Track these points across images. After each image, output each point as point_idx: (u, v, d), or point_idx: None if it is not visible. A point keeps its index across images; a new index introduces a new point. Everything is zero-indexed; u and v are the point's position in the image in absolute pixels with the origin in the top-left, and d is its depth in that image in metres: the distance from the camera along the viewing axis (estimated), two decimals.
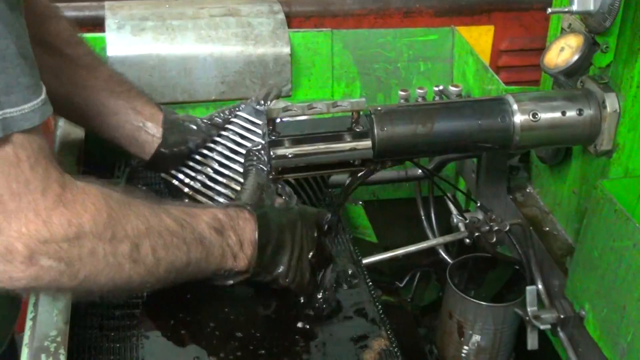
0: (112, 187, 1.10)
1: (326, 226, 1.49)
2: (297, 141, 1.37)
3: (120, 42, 1.91)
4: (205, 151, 1.68)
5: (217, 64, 2.00)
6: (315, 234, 1.43)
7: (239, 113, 1.71)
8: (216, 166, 1.66)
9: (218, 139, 1.69)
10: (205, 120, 1.67)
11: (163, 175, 1.66)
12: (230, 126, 1.71)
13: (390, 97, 2.19)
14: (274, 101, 1.66)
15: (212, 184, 1.63)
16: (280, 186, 1.47)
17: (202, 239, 1.17)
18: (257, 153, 1.59)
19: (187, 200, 1.58)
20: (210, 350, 1.50)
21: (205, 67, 1.99)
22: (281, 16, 2.10)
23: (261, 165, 1.55)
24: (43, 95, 0.96)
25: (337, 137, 1.38)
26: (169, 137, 1.59)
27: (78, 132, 1.70)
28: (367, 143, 1.39)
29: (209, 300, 1.64)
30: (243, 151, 1.64)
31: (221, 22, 2.04)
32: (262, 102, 1.68)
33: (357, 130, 1.39)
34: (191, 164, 1.66)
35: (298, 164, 1.38)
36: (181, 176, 1.64)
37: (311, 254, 1.42)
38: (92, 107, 1.51)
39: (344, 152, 1.39)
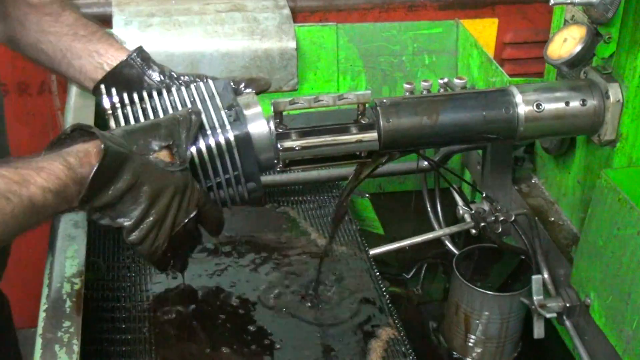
0: None
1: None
2: (304, 133, 1.39)
3: (127, 39, 1.93)
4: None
5: (223, 59, 2.01)
6: (193, 212, 1.34)
7: (208, 81, 1.53)
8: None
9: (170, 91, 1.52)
10: (173, 73, 1.60)
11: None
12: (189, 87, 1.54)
13: (396, 90, 2.20)
14: (248, 90, 1.52)
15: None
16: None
17: (33, 205, 1.11)
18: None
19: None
20: (221, 341, 1.52)
21: (212, 62, 2.01)
22: (287, 11, 2.11)
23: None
24: None
25: (343, 130, 1.40)
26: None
27: (89, 106, 1.73)
28: (373, 135, 1.40)
29: (217, 292, 1.67)
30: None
31: (227, 17, 2.06)
32: (234, 85, 1.53)
33: (363, 122, 1.40)
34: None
35: (305, 157, 1.40)
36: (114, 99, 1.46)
37: (180, 225, 1.33)
38: (58, 52, 1.57)
39: (350, 144, 1.40)
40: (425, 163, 1.92)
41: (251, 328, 1.58)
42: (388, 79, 2.21)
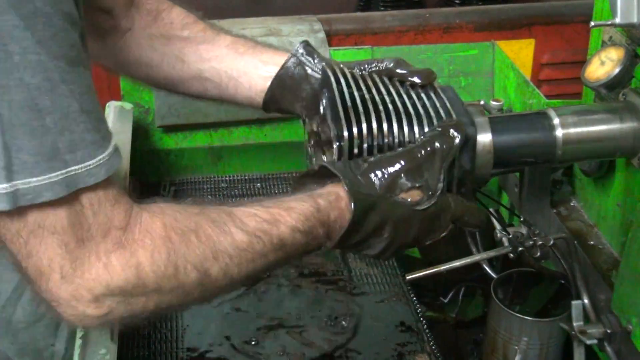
0: (183, 206, 1.08)
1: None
2: None
3: None
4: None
5: None
6: (444, 232, 1.28)
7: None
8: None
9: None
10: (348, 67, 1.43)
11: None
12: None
13: None
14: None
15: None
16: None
17: (282, 245, 1.12)
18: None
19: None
20: None
21: None
22: (322, 35, 2.12)
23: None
24: (110, 149, 0.97)
25: None
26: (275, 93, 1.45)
27: (124, 153, 1.72)
28: None
29: (250, 315, 1.67)
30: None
31: (262, 42, 2.07)
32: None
33: None
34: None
35: None
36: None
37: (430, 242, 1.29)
38: (223, 75, 1.46)
39: None
40: None
41: (285, 351, 1.57)
42: None
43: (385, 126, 1.23)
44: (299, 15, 2.29)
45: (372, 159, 1.22)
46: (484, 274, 1.88)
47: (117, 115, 1.85)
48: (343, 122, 1.22)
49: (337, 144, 1.22)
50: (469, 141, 1.26)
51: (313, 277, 1.80)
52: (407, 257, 2.00)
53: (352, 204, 1.14)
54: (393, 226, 1.20)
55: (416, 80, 1.34)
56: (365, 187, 1.18)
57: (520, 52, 2.42)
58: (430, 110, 1.27)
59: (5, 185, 0.89)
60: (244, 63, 1.45)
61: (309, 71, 1.39)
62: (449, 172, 1.24)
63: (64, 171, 0.92)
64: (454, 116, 1.27)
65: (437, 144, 1.22)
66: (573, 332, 1.51)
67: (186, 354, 1.55)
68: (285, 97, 1.41)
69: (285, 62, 1.40)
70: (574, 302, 1.51)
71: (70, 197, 0.94)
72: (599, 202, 1.69)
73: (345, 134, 1.22)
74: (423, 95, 1.31)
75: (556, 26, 2.48)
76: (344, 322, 1.67)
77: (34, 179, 0.90)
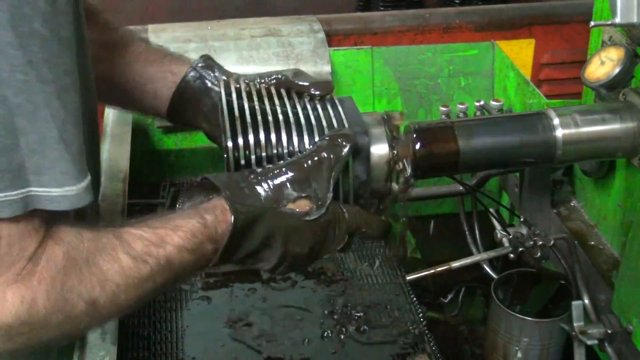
0: (80, 231, 1.03)
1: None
2: None
3: None
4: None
5: None
6: (341, 244, 1.25)
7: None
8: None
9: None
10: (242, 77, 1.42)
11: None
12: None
13: (432, 113, 2.19)
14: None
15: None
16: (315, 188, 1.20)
17: (170, 264, 1.10)
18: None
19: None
20: None
21: None
22: (321, 35, 2.12)
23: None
24: (82, 184, 0.96)
25: None
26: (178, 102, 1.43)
27: (124, 155, 1.72)
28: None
29: (254, 316, 1.66)
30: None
31: (262, 42, 2.07)
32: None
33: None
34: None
35: None
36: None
37: (327, 254, 1.26)
38: (130, 82, 1.44)
39: None
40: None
41: (285, 351, 1.57)
42: (424, 102, 2.20)
43: (274, 137, 1.21)
44: (299, 16, 2.28)
45: (258, 169, 1.20)
46: (484, 274, 1.88)
47: (116, 116, 1.84)
48: (228, 133, 1.21)
49: (225, 155, 1.21)
50: (361, 151, 1.24)
51: (314, 277, 1.80)
52: (407, 258, 2.00)
53: (232, 216, 1.12)
54: (283, 237, 1.18)
55: (313, 91, 1.32)
56: (249, 198, 1.16)
57: (520, 52, 2.42)
58: (323, 120, 1.24)
59: None
60: (152, 71, 1.43)
61: (209, 84, 1.38)
62: (343, 183, 1.22)
63: (24, 190, 0.91)
64: (346, 126, 1.24)
65: (324, 154, 1.19)
66: (573, 333, 1.51)
67: (186, 355, 1.55)
68: (187, 109, 1.40)
69: (185, 75, 1.39)
70: (575, 303, 1.51)
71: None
72: (599, 202, 1.69)
73: (230, 144, 1.20)
74: (319, 106, 1.29)
75: (556, 26, 2.47)
76: (344, 323, 1.66)
77: None
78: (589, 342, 1.50)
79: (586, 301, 1.57)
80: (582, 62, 1.57)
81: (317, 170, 1.19)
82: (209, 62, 1.41)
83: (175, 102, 1.40)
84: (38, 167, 0.92)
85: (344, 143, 1.20)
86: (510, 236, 1.69)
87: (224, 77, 1.38)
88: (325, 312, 1.69)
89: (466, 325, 1.85)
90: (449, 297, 1.91)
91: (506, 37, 2.39)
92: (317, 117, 1.25)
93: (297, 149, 1.22)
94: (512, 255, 1.69)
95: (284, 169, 1.18)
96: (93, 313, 1.03)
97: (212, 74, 1.39)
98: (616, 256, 1.63)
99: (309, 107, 1.28)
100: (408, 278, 1.78)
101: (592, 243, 1.69)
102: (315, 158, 1.19)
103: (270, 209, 1.17)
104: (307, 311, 1.70)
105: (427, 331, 1.63)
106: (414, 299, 1.72)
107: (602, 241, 1.68)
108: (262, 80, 1.37)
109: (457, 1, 3.88)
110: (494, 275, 1.81)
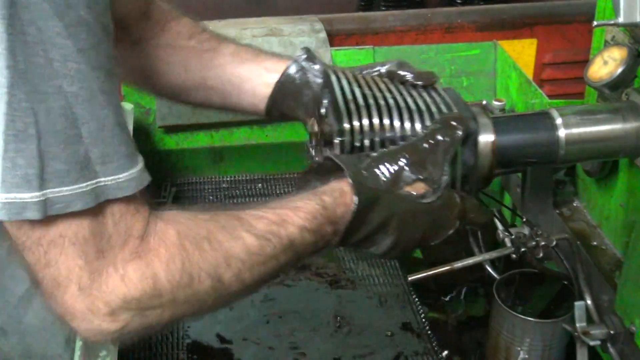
0: (194, 214, 1.06)
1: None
2: None
3: None
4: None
5: None
6: (452, 229, 1.26)
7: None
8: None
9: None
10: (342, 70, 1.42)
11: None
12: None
13: None
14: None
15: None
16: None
17: (292, 245, 1.11)
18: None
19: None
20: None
21: None
22: (323, 35, 2.11)
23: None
24: (139, 165, 0.97)
25: None
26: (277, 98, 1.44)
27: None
28: None
29: (255, 314, 1.66)
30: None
31: (263, 42, 2.07)
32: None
33: None
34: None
35: None
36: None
37: (438, 241, 1.27)
38: (227, 83, 1.45)
39: None
40: None
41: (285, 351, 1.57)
42: None
43: (387, 121, 1.23)
44: (300, 15, 2.28)
45: (374, 153, 1.21)
46: (487, 274, 1.87)
47: None
48: (344, 116, 1.22)
49: (339, 139, 1.22)
50: (470, 136, 1.26)
51: (314, 278, 1.79)
52: (409, 258, 1.99)
53: (355, 197, 1.13)
54: (399, 221, 1.19)
55: (416, 81, 1.34)
56: (369, 180, 1.17)
57: (522, 51, 2.41)
58: (432, 106, 1.27)
59: (37, 194, 0.88)
60: (247, 70, 1.44)
61: (310, 76, 1.38)
62: (452, 168, 1.23)
63: (94, 181, 0.92)
64: (455, 111, 1.26)
65: (439, 137, 1.21)
66: (576, 333, 1.50)
67: (187, 355, 1.55)
68: (287, 102, 1.40)
69: (287, 68, 1.40)
70: (577, 303, 1.50)
71: (94, 207, 0.93)
72: (601, 203, 1.69)
73: (347, 126, 1.21)
74: (424, 93, 1.31)
75: (558, 26, 2.47)
76: (345, 323, 1.66)
77: (65, 188, 0.89)
78: (592, 343, 1.49)
79: (589, 302, 1.57)
80: (585, 62, 1.57)
81: (433, 153, 1.21)
82: (310, 55, 1.41)
83: (276, 96, 1.40)
84: (103, 156, 0.92)
85: (458, 126, 1.22)
86: (513, 236, 1.68)
87: (325, 68, 1.38)
88: (326, 312, 1.69)
89: (468, 325, 1.84)
90: (451, 297, 1.91)
91: (508, 37, 2.38)
92: (426, 103, 1.27)
93: (408, 133, 1.23)
94: (514, 256, 1.69)
95: (400, 152, 1.20)
96: (220, 289, 1.04)
97: (313, 66, 1.39)
98: (619, 256, 1.62)
99: (414, 93, 1.30)
100: (410, 278, 1.78)
101: (595, 243, 1.68)
102: (431, 141, 1.21)
103: (389, 192, 1.18)
104: (308, 311, 1.69)
105: (429, 331, 1.62)
106: (416, 299, 1.72)
107: (605, 241, 1.68)
108: (365, 72, 1.40)
109: (459, 1, 3.88)
110: (496, 276, 1.80)
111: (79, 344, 1.18)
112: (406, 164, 1.20)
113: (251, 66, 1.44)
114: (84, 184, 0.91)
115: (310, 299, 1.73)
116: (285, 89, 1.40)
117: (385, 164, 1.19)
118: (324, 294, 1.74)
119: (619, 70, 1.46)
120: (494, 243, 1.85)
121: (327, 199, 1.15)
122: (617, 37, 1.52)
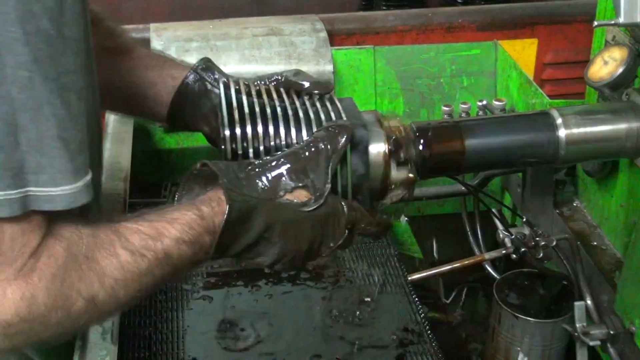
0: (78, 227, 1.02)
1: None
2: None
3: None
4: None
5: None
6: (341, 239, 1.22)
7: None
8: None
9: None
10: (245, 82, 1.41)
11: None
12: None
13: (434, 113, 2.18)
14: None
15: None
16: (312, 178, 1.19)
17: (168, 258, 1.09)
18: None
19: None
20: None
21: None
22: (323, 34, 2.11)
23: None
24: (79, 183, 0.96)
25: None
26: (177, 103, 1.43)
27: (125, 154, 1.72)
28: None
29: (255, 313, 1.66)
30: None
31: (264, 41, 2.06)
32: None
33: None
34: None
35: None
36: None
37: (327, 251, 1.23)
38: (131, 86, 1.44)
39: None
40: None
41: (286, 351, 1.57)
42: (426, 102, 2.19)
43: (271, 129, 1.22)
44: (301, 15, 2.28)
45: (256, 161, 1.19)
46: (487, 274, 1.88)
47: (118, 116, 1.84)
48: (226, 123, 1.21)
49: (222, 146, 1.21)
50: (359, 144, 1.23)
51: (314, 277, 1.79)
52: (409, 258, 1.99)
53: (227, 205, 1.11)
54: (281, 230, 1.16)
55: (312, 90, 1.32)
56: (246, 188, 1.15)
57: (523, 51, 2.41)
58: (322, 114, 1.24)
59: None
60: (152, 75, 1.42)
61: (209, 86, 1.38)
62: (342, 177, 1.22)
63: (24, 190, 0.91)
64: (344, 119, 1.24)
65: (321, 144, 1.19)
66: (576, 333, 1.50)
67: (187, 355, 1.55)
68: (186, 112, 1.40)
69: (185, 78, 1.39)
70: (577, 303, 1.50)
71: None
72: (602, 203, 1.69)
73: (227, 133, 1.20)
74: (317, 103, 1.29)
75: (559, 26, 2.46)
76: (345, 323, 1.66)
77: None
78: (592, 343, 1.50)
79: (588, 302, 1.57)
80: (585, 62, 1.57)
81: (315, 160, 1.18)
82: (209, 65, 1.41)
83: (175, 105, 1.39)
84: (37, 166, 0.92)
85: (341, 133, 1.20)
86: (513, 236, 1.68)
87: (224, 79, 1.38)
88: (326, 311, 1.69)
89: (468, 325, 1.84)
90: (451, 297, 1.91)
91: (509, 36, 2.38)
92: (316, 112, 1.25)
93: (294, 142, 1.22)
94: (514, 256, 1.69)
95: (281, 160, 1.18)
96: (93, 309, 1.02)
97: (212, 76, 1.39)
98: (619, 257, 1.62)
99: (307, 103, 1.28)
100: (410, 278, 1.78)
101: (595, 243, 1.68)
102: (313, 148, 1.19)
103: (268, 200, 1.16)
104: (307, 310, 1.69)
105: (429, 331, 1.62)
106: (416, 299, 1.72)
107: (605, 242, 1.68)
108: (262, 82, 1.38)
109: (459, 0, 3.88)
110: (496, 276, 1.80)
111: (78, 343, 1.18)
112: (287, 171, 1.18)
113: (157, 72, 1.43)
114: (14, 191, 0.90)
115: (309, 298, 1.73)
116: (183, 97, 1.39)
117: (266, 172, 1.17)
118: (323, 293, 1.74)
119: (620, 70, 1.46)
120: (494, 243, 1.85)
121: (204, 209, 1.12)
122: (617, 37, 1.52)
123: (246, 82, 1.36)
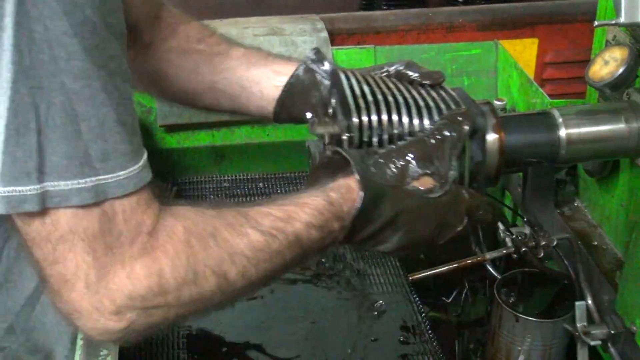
0: (201, 210, 1.06)
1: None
2: None
3: None
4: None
5: None
6: (460, 226, 1.26)
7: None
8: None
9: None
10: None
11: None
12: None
13: None
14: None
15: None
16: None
17: (298, 241, 1.12)
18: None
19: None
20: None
21: None
22: (324, 34, 2.11)
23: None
24: (141, 162, 0.97)
25: None
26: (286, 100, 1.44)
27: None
28: None
29: (256, 312, 1.66)
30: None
31: (265, 41, 2.07)
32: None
33: None
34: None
35: None
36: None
37: (445, 239, 1.26)
38: (236, 86, 1.45)
39: None
40: None
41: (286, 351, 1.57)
42: None
43: (395, 117, 1.25)
44: (302, 15, 2.28)
45: (382, 149, 1.22)
46: (487, 274, 1.87)
47: None
48: (353, 111, 1.23)
49: (347, 135, 1.23)
50: (478, 132, 1.27)
51: (315, 277, 1.79)
52: (409, 258, 1.99)
53: (362, 192, 1.14)
54: (407, 217, 1.19)
55: (424, 80, 1.35)
56: (376, 175, 1.18)
57: (523, 51, 2.41)
58: (440, 103, 1.28)
59: (35, 187, 0.89)
60: (256, 73, 1.44)
61: (319, 78, 1.38)
62: (460, 164, 1.24)
63: (93, 179, 0.92)
64: (463, 107, 1.27)
65: (446, 132, 1.22)
66: (577, 333, 1.50)
67: (188, 354, 1.55)
68: (295, 104, 1.40)
69: (295, 70, 1.40)
70: (578, 303, 1.50)
71: (103, 204, 0.93)
72: (603, 203, 1.69)
73: (355, 121, 1.23)
74: (433, 92, 1.32)
75: (560, 25, 2.47)
76: (344, 322, 1.66)
77: (63, 183, 0.90)
78: (592, 343, 1.50)
79: (589, 301, 1.57)
80: (586, 62, 1.57)
81: (440, 148, 1.22)
82: (319, 56, 1.41)
83: (283, 98, 1.41)
84: (103, 154, 0.93)
85: (465, 121, 1.24)
86: (513, 236, 1.68)
87: (334, 68, 1.39)
88: (326, 311, 1.69)
89: (469, 325, 1.84)
90: (452, 297, 1.91)
91: (509, 36, 2.38)
92: (434, 100, 1.29)
93: (417, 130, 1.25)
94: (515, 255, 1.69)
95: (407, 148, 1.22)
96: (225, 286, 1.05)
97: (321, 67, 1.39)
98: (620, 256, 1.62)
99: (423, 92, 1.31)
100: (411, 278, 1.78)
101: (596, 243, 1.68)
102: (438, 136, 1.22)
103: (396, 187, 1.19)
104: (307, 310, 1.69)
105: (429, 331, 1.62)
106: (417, 298, 1.72)
107: (606, 241, 1.68)
108: (374, 72, 1.40)
109: (460, 0, 3.88)
110: (497, 275, 1.80)
111: (79, 342, 1.18)
112: (413, 159, 1.20)
113: (260, 69, 1.44)
114: (83, 180, 0.91)
115: (309, 298, 1.73)
116: (293, 91, 1.40)
117: (393, 159, 1.20)
118: (324, 294, 1.74)
119: (620, 70, 1.46)
120: (495, 243, 1.85)
121: (333, 195, 1.15)
122: (618, 37, 1.52)
123: (359, 73, 1.37)
